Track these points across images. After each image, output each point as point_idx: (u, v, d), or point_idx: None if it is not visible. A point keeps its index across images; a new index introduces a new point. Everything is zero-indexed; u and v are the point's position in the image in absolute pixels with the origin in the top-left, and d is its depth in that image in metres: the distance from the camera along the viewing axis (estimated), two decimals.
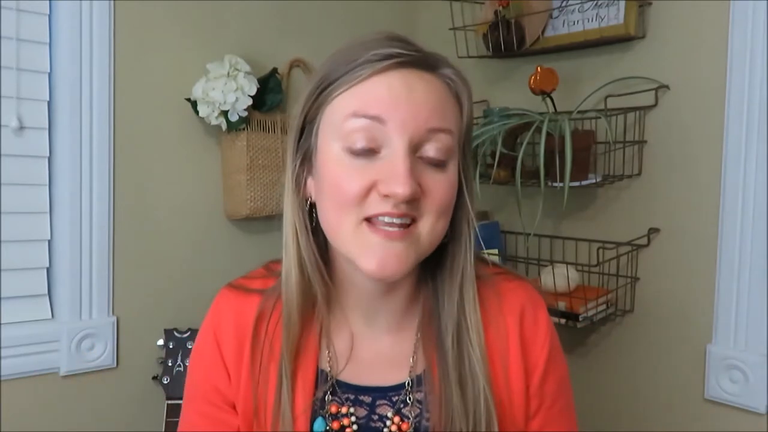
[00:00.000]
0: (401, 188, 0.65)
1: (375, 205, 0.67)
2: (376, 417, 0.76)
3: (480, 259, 0.84)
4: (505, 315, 0.78)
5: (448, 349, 0.75)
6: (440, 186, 0.69)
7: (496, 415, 0.73)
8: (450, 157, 0.71)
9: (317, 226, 0.75)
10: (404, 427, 0.75)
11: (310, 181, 0.76)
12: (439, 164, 0.69)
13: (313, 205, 0.75)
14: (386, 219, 0.67)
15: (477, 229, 0.76)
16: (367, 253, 0.68)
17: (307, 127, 0.75)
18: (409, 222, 0.68)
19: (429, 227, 0.69)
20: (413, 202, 0.67)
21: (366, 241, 0.68)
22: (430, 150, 0.69)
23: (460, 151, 0.73)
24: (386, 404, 0.76)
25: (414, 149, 0.68)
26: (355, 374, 0.78)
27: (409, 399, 0.76)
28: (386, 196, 0.66)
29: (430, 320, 0.77)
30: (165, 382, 1.40)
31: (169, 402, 1.37)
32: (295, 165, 0.75)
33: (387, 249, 0.67)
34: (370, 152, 0.68)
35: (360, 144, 0.68)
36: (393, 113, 0.67)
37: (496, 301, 0.79)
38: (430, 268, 0.78)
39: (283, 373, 0.74)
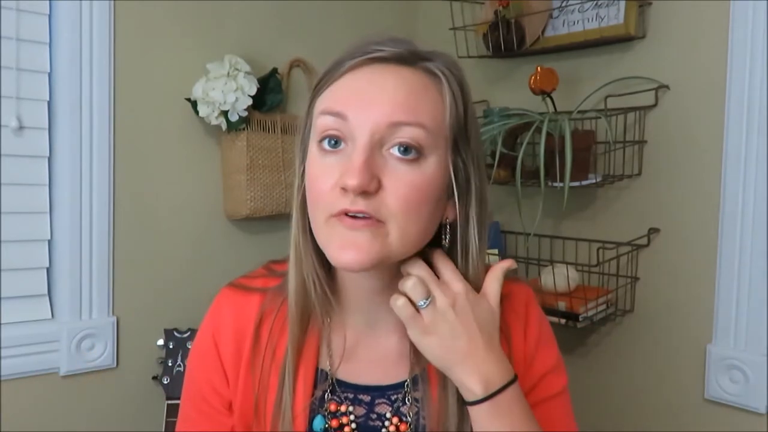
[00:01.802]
0: (352, 180, 0.64)
1: (336, 202, 0.67)
2: (374, 416, 0.77)
3: None
4: (509, 320, 0.79)
5: None
6: (404, 182, 0.67)
7: None
8: (426, 153, 0.68)
9: None
10: (402, 427, 0.76)
11: None
12: (411, 159, 0.67)
13: None
14: (349, 213, 0.67)
15: (475, 226, 0.74)
16: (332, 243, 0.67)
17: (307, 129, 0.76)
18: (373, 217, 0.67)
19: (397, 226, 0.67)
20: (371, 197, 0.66)
21: (332, 231, 0.67)
22: (397, 144, 0.67)
23: (450, 147, 0.71)
24: (385, 403, 0.77)
25: (378, 144, 0.67)
26: (354, 373, 0.78)
27: (408, 398, 0.76)
28: (343, 189, 0.66)
29: None
30: (165, 382, 1.40)
31: (169, 402, 1.37)
32: (300, 165, 0.76)
33: (348, 238, 0.66)
34: (341, 147, 0.68)
35: (327, 140, 0.69)
36: (354, 108, 0.67)
37: (508, 302, 0.79)
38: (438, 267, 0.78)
39: (286, 373, 0.75)
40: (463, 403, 0.71)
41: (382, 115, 0.66)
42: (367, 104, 0.67)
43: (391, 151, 0.67)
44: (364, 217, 0.66)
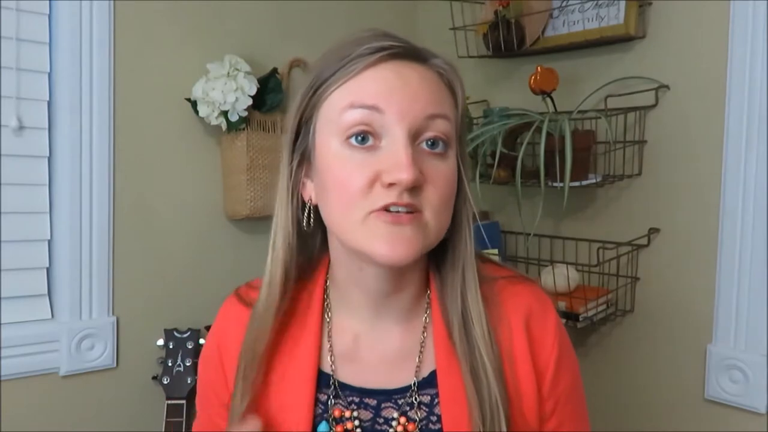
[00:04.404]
0: (405, 174, 0.64)
1: (380, 197, 0.66)
2: (381, 420, 0.75)
3: (488, 261, 0.84)
4: (509, 317, 0.77)
5: (456, 342, 0.74)
6: (442, 174, 0.69)
7: (508, 411, 0.72)
8: (449, 145, 0.71)
9: (314, 229, 0.75)
10: (410, 428, 0.74)
11: (309, 184, 0.75)
12: (439, 152, 0.69)
13: (311, 208, 0.75)
14: (392, 209, 0.66)
15: (478, 221, 0.76)
16: (377, 239, 0.66)
17: (303, 129, 0.74)
18: (416, 210, 0.68)
19: (435, 218, 0.69)
20: (416, 191, 0.67)
21: (375, 228, 0.67)
22: (430, 137, 0.69)
23: (457, 141, 0.73)
24: (391, 407, 0.76)
25: (414, 137, 0.68)
26: (359, 376, 0.77)
27: (415, 400, 0.75)
28: (390, 185, 0.65)
29: (439, 318, 0.77)
30: (165, 382, 1.40)
31: (169, 402, 1.37)
32: (292, 168, 0.75)
33: (396, 233, 0.66)
34: (370, 143, 0.67)
35: (360, 135, 0.67)
36: (390, 102, 0.67)
37: (499, 303, 0.78)
38: (437, 265, 0.78)
39: (241, 368, 0.75)
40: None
41: (420, 108, 0.68)
42: (401, 98, 0.67)
43: (423, 146, 0.69)
44: (407, 212, 0.66)
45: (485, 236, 0.79)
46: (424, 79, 0.70)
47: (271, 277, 0.76)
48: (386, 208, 0.66)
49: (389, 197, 0.66)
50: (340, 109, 0.68)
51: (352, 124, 0.67)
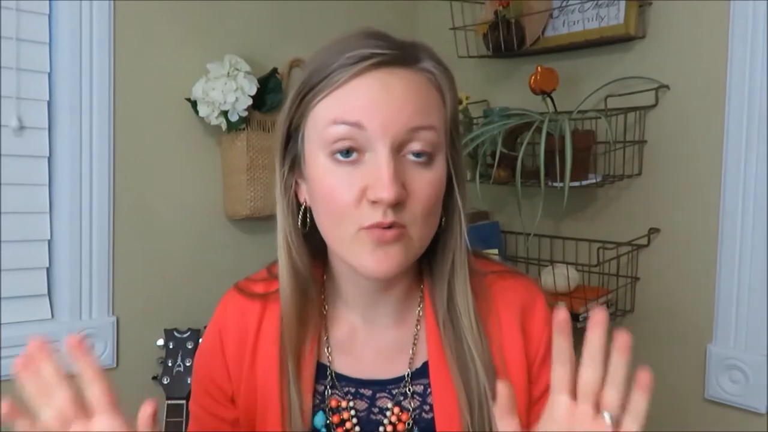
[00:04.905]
0: (386, 193, 0.65)
1: (367, 216, 0.67)
2: (376, 410, 0.77)
3: (482, 257, 0.85)
4: (499, 311, 0.78)
5: (442, 335, 0.75)
6: (426, 186, 0.69)
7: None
8: (436, 153, 0.70)
9: (312, 227, 0.76)
10: (404, 417, 0.76)
11: (303, 186, 0.76)
12: (424, 162, 0.69)
13: (307, 209, 0.75)
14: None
15: (465, 223, 0.76)
16: (364, 256, 0.68)
17: (293, 135, 0.74)
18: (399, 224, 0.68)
19: (419, 230, 0.69)
20: (400, 206, 0.67)
21: (362, 245, 0.68)
22: (415, 148, 0.68)
23: (448, 142, 0.73)
24: (386, 397, 0.77)
25: (398, 149, 0.68)
26: (355, 367, 0.79)
27: (409, 391, 0.77)
28: (374, 202, 0.66)
29: (431, 310, 0.78)
30: (165, 382, 1.39)
31: (169, 402, 1.37)
32: (284, 172, 0.75)
33: (382, 251, 0.67)
34: (354, 157, 0.68)
35: (343, 151, 0.68)
36: (372, 117, 0.66)
37: (489, 296, 0.79)
38: (429, 259, 0.79)
39: (290, 372, 0.76)
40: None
41: (402, 122, 0.67)
42: (384, 112, 0.66)
43: (408, 156, 0.68)
44: (392, 227, 0.67)
45: (469, 236, 0.78)
46: (410, 88, 0.68)
47: (282, 278, 0.77)
48: (372, 226, 0.67)
49: (375, 216, 0.66)
50: (324, 122, 0.69)
51: (336, 139, 0.67)
